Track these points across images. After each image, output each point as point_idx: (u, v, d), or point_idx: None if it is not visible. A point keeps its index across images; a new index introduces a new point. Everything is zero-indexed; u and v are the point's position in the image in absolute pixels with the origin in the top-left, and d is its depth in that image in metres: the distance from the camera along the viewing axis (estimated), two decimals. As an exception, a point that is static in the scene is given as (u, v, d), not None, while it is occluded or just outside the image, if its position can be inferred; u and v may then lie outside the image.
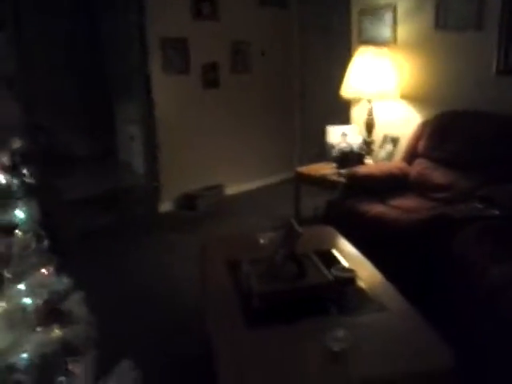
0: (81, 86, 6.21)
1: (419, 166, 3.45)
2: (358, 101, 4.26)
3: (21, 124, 4.13)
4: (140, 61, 4.55)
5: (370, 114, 3.96)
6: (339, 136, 4.12)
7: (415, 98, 3.88)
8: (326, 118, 4.71)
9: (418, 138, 3.59)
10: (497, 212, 2.64)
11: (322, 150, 4.28)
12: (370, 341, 1.68)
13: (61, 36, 6.11)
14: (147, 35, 4.46)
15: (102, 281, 3.19)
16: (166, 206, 4.82)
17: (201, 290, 2.41)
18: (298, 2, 5.46)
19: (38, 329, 1.26)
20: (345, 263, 2.23)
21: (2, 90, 3.99)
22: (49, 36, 5.97)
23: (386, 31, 4.01)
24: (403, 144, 3.81)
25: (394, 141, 3.98)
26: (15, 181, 1.77)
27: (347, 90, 3.90)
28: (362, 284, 2.05)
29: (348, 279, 2.04)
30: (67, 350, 1.25)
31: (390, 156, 3.95)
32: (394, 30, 3.94)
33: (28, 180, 1.96)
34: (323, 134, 4.21)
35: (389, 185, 3.37)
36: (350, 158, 3.84)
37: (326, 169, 3.96)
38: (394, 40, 3.95)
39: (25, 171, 2.08)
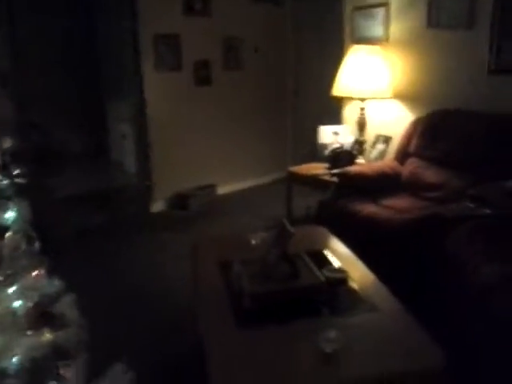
0: (73, 83, 6.18)
1: (411, 166, 3.46)
2: (350, 100, 4.26)
3: (13, 122, 4.11)
4: (132, 58, 4.53)
5: (362, 113, 3.97)
6: (331, 135, 4.12)
7: (407, 97, 3.90)
8: (318, 116, 4.72)
9: (409, 136, 3.60)
10: (488, 211, 2.65)
11: (314, 150, 4.29)
12: (361, 341, 1.68)
13: (55, 34, 6.07)
14: (139, 32, 4.44)
15: (93, 281, 3.17)
16: (158, 206, 4.81)
17: (193, 289, 2.40)
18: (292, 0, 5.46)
19: (29, 332, 1.25)
20: (337, 264, 2.23)
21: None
22: (42, 34, 5.93)
23: (378, 29, 4.02)
24: (395, 143, 3.82)
25: (386, 140, 3.99)
26: (5, 181, 1.75)
27: (339, 89, 3.90)
28: (353, 284, 2.05)
29: (340, 280, 2.05)
30: (58, 353, 1.24)
31: (382, 155, 3.95)
32: (387, 28, 3.95)
33: (19, 180, 1.94)
34: (315, 133, 4.21)
35: (381, 184, 3.38)
36: (342, 157, 3.84)
37: (318, 168, 3.96)
38: (387, 38, 3.96)
39: (15, 171, 2.06)
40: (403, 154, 3.61)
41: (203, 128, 5.02)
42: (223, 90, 5.11)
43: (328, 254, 2.37)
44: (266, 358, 1.62)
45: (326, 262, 2.23)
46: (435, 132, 3.41)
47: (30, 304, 1.29)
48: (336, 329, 1.62)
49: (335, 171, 3.64)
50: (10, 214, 1.57)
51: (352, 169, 3.55)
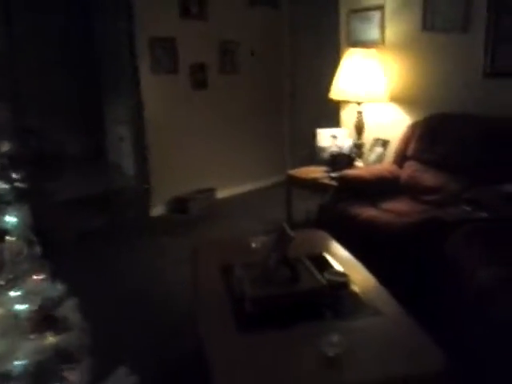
0: (70, 86, 6.16)
1: (409, 169, 3.48)
2: (347, 103, 4.28)
3: (10, 126, 4.09)
4: (129, 61, 4.53)
5: (360, 116, 3.98)
6: (329, 139, 4.13)
7: (404, 100, 3.91)
8: (316, 119, 4.73)
9: (407, 140, 3.62)
10: (485, 214, 2.67)
11: (313, 153, 4.29)
12: (364, 345, 1.68)
13: (51, 35, 6.06)
14: (136, 34, 4.44)
15: (93, 285, 3.17)
16: (157, 210, 4.80)
17: (193, 293, 2.40)
18: (289, 2, 5.47)
19: (32, 336, 1.25)
20: (338, 267, 2.23)
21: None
22: (39, 34, 5.92)
23: (374, 32, 4.03)
24: (393, 146, 3.83)
25: (384, 143, 4.00)
26: (4, 185, 1.75)
27: (336, 92, 3.91)
28: (355, 288, 2.05)
29: (341, 283, 2.05)
30: (61, 356, 1.24)
31: (381, 159, 3.97)
32: (383, 32, 3.97)
33: (18, 184, 1.94)
34: (313, 136, 4.22)
35: (380, 188, 3.39)
36: (341, 160, 3.85)
37: (317, 172, 3.97)
38: (383, 41, 3.97)
39: (15, 175, 2.06)
40: (401, 158, 3.62)
41: (201, 131, 5.02)
42: (220, 94, 5.11)
43: (329, 257, 2.37)
44: (268, 363, 1.62)
45: (326, 266, 2.23)
46: (433, 135, 3.42)
47: (33, 308, 1.30)
48: (338, 333, 1.62)
49: (334, 174, 3.65)
50: (11, 219, 1.57)
51: (350, 172, 3.56)
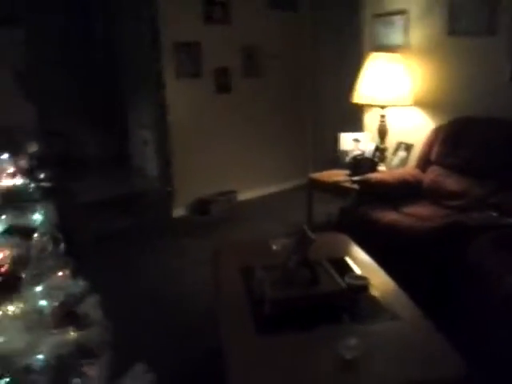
0: (95, 89, 6.28)
1: (432, 174, 3.44)
2: (370, 107, 4.26)
3: (38, 128, 4.20)
4: (153, 65, 4.59)
5: (383, 120, 3.96)
6: (352, 143, 4.12)
7: (428, 104, 3.87)
8: (338, 123, 4.71)
9: (431, 144, 3.58)
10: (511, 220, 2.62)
11: (335, 156, 4.28)
12: (382, 349, 1.67)
13: (74, 37, 6.19)
14: (160, 39, 4.50)
15: (115, 284, 3.21)
16: (179, 211, 4.84)
17: (213, 295, 2.42)
18: (310, 7, 5.47)
19: (54, 331, 1.28)
20: (358, 271, 2.23)
21: (14, 85, 4.04)
22: (60, 36, 6.06)
23: (398, 37, 4.01)
24: (417, 151, 3.79)
25: (408, 147, 3.97)
26: (32, 184, 1.80)
27: (359, 96, 3.90)
28: (374, 292, 2.04)
29: (361, 287, 2.04)
30: (82, 352, 1.27)
31: (404, 163, 3.93)
32: (407, 36, 3.94)
33: (44, 184, 1.99)
34: (336, 139, 4.20)
35: (402, 192, 3.36)
36: (363, 164, 3.83)
37: (339, 175, 3.96)
38: (407, 45, 3.94)
39: (41, 175, 2.12)
40: (425, 162, 3.58)
41: (224, 134, 5.06)
42: (243, 97, 5.14)
43: (349, 261, 2.37)
44: (285, 365, 1.63)
45: (347, 269, 2.23)
46: (457, 140, 3.38)
47: (56, 303, 1.33)
48: (356, 336, 1.62)
49: (356, 178, 3.63)
50: (38, 217, 1.61)
51: (373, 176, 3.54)
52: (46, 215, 1.64)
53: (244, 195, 5.24)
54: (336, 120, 5.10)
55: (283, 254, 2.14)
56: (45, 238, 1.53)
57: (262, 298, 1.95)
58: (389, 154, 4.04)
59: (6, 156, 1.83)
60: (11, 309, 1.25)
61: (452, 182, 3.26)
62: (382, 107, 3.92)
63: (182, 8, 4.57)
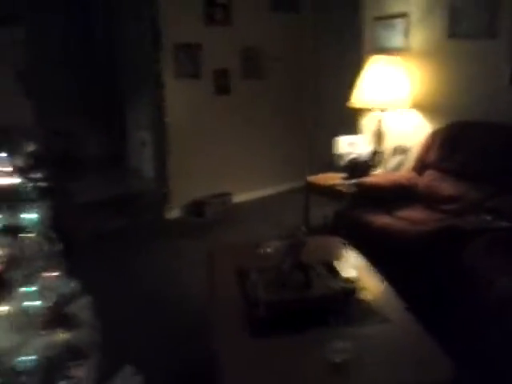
0: (94, 89, 6.28)
1: (428, 178, 3.44)
2: (368, 110, 4.26)
3: (35, 127, 4.20)
4: (152, 66, 4.59)
5: (380, 123, 3.96)
6: (348, 146, 4.12)
7: (427, 108, 3.87)
8: (337, 126, 4.71)
9: (427, 148, 3.58)
10: (506, 224, 2.63)
11: (331, 159, 4.28)
12: (371, 352, 1.68)
13: (77, 37, 6.19)
14: (160, 40, 4.50)
15: (110, 285, 3.21)
16: (174, 212, 4.84)
17: (207, 296, 2.42)
18: (311, 9, 5.47)
19: (43, 332, 1.28)
20: (350, 274, 2.23)
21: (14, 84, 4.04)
22: (65, 37, 6.06)
23: (398, 39, 4.01)
24: (414, 154, 3.79)
25: (405, 151, 3.97)
26: (28, 184, 1.80)
27: (358, 99, 3.90)
28: (366, 295, 2.04)
29: (351, 290, 2.04)
30: (71, 353, 1.27)
31: (401, 166, 3.94)
32: (407, 38, 3.94)
33: (41, 183, 2.00)
34: (333, 142, 4.21)
35: (397, 195, 3.36)
36: (359, 167, 3.83)
37: (335, 178, 3.96)
38: (407, 48, 3.94)
39: (38, 174, 2.12)
40: (421, 166, 3.58)
41: (221, 136, 5.05)
42: (242, 99, 5.14)
43: (341, 264, 2.37)
44: (279, 368, 1.63)
45: (339, 272, 2.23)
46: (454, 144, 3.38)
47: (47, 304, 1.33)
48: (345, 339, 1.62)
49: (351, 181, 3.64)
50: (32, 216, 1.62)
51: (368, 179, 3.54)
52: (40, 215, 1.64)
53: (239, 197, 5.23)
54: (334, 122, 5.10)
55: (277, 256, 2.15)
56: (38, 238, 1.53)
57: (256, 301, 1.95)
58: (386, 157, 4.04)
59: (3, 155, 1.83)
60: (0, 309, 1.25)
61: (447, 186, 3.26)
62: (382, 110, 3.92)
63: (183, 9, 4.57)
